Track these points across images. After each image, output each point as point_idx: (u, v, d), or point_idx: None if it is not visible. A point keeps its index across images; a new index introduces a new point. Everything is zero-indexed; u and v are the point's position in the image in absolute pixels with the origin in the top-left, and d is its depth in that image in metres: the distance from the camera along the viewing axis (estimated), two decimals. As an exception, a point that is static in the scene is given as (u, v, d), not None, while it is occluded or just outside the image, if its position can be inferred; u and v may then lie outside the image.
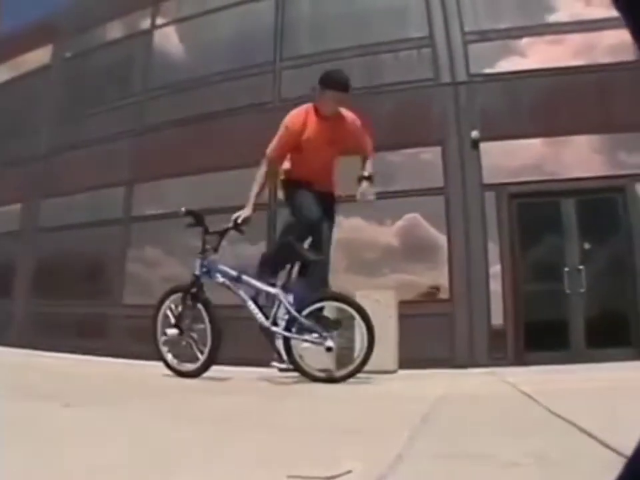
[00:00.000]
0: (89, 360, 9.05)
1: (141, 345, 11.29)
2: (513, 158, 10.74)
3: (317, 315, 5.12)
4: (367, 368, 7.80)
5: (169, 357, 5.21)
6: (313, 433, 2.09)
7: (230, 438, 1.89)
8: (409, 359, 8.21)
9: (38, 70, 16.69)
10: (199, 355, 5.13)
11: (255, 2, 13.60)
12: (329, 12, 12.97)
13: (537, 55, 11.25)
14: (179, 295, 5.38)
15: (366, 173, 5.78)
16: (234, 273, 5.38)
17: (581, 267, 9.98)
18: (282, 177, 6.03)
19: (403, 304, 8.66)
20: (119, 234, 13.63)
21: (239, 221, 5.64)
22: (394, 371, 7.84)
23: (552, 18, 11.43)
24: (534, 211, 10.57)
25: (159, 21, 15.12)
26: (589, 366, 7.37)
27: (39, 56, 16.89)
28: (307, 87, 11.67)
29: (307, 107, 5.89)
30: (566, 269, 10.06)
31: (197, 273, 5.35)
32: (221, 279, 5.36)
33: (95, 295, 13.39)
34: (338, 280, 9.70)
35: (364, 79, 11.70)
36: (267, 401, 3.60)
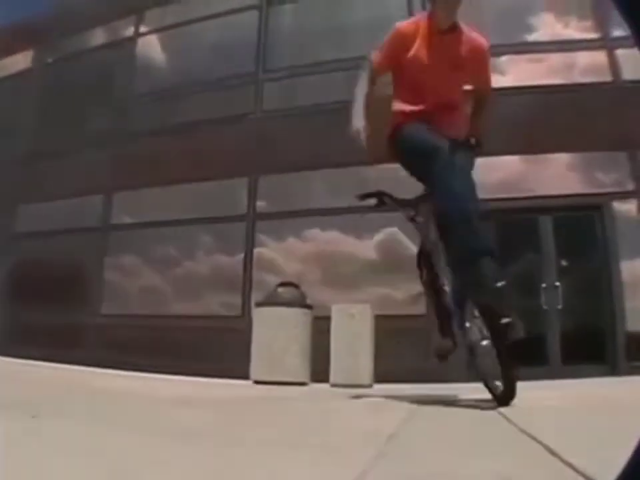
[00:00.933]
0: (64, 369, 8.93)
1: (118, 354, 11.31)
2: (491, 174, 10.77)
3: None
4: (341, 382, 7.81)
5: None
6: (276, 447, 2.05)
7: (189, 453, 1.84)
8: (387, 374, 8.19)
9: (18, 74, 16.58)
10: None
11: (238, 13, 13.61)
12: (312, 24, 13.01)
13: (517, 72, 11.35)
14: None
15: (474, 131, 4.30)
16: None
17: (557, 283, 10.05)
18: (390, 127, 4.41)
19: (379, 318, 8.64)
20: (97, 242, 13.52)
21: (356, 129, 4.20)
22: (369, 385, 7.81)
23: (532, 37, 11.55)
24: (512, 228, 10.60)
25: (143, 28, 15.09)
26: (564, 382, 7.39)
27: (20, 60, 16.78)
28: (289, 99, 11.76)
29: (420, 16, 4.46)
30: (543, 286, 10.12)
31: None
32: None
33: (72, 303, 13.25)
34: (314, 293, 9.72)
35: (347, 91, 11.73)
36: (229, 414, 3.55)
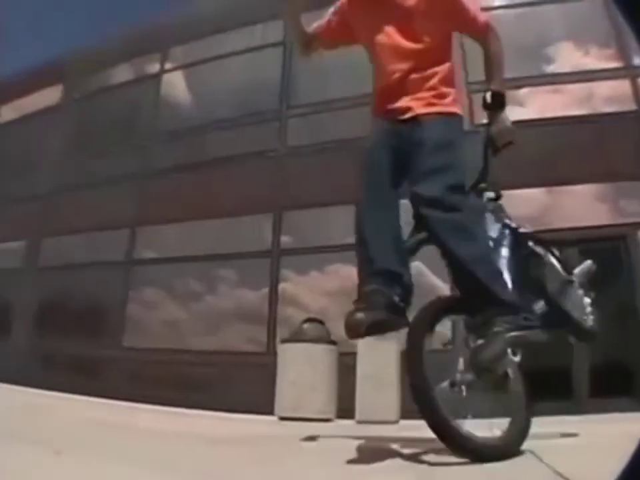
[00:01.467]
0: (86, 401, 8.94)
1: (140, 388, 11.30)
2: (514, 208, 10.69)
3: None
4: (367, 418, 7.72)
5: None
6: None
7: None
8: (411, 409, 8.08)
9: (45, 110, 16.90)
10: None
11: (262, 49, 13.78)
12: (336, 60, 13.08)
13: (536, 104, 11.34)
14: None
15: (493, 86, 3.56)
16: None
17: (587, 316, 9.88)
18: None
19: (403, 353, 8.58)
20: (121, 276, 13.61)
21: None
22: (395, 421, 7.72)
23: (551, 68, 11.55)
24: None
25: (167, 65, 15.33)
26: (591, 417, 7.23)
27: (47, 97, 17.12)
28: (313, 135, 11.77)
29: None
30: (569, 321, 9.96)
31: None
32: None
33: (94, 335, 13.31)
34: (338, 328, 9.67)
35: (369, 128, 11.83)
36: (263, 452, 3.50)
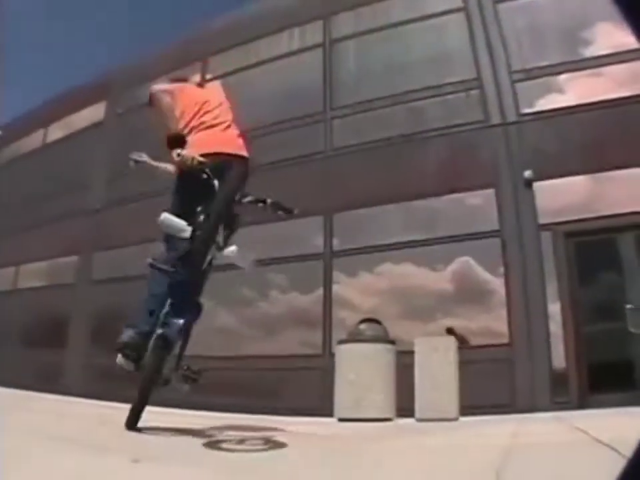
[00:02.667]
0: (150, 411, 9.04)
1: (200, 395, 11.43)
2: (567, 196, 10.56)
3: None
4: (426, 416, 7.68)
5: None
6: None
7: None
8: (469, 406, 8.03)
9: (91, 126, 17.26)
10: None
11: (302, 52, 13.86)
12: (377, 59, 13.13)
13: (581, 89, 11.16)
14: None
15: None
16: None
17: (643, 304, 9.67)
18: None
19: (461, 350, 8.51)
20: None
21: None
22: (455, 419, 7.66)
23: (590, 51, 11.31)
24: (592, 249, 10.33)
25: (208, 75, 15.49)
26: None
27: (93, 113, 17.48)
28: (357, 135, 11.82)
29: None
30: (628, 307, 9.75)
31: None
32: None
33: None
34: (393, 327, 9.63)
35: (412, 124, 11.80)
36: (334, 453, 3.51)
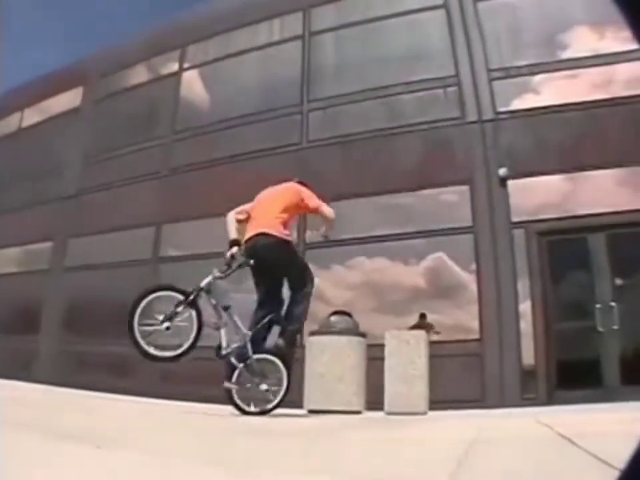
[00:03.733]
0: (121, 399, 9.02)
1: (171, 385, 11.39)
2: (540, 195, 10.67)
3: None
4: (396, 410, 7.72)
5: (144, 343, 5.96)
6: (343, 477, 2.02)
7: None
8: (439, 400, 8.08)
9: (68, 112, 17.06)
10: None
11: (280, 44, 13.81)
12: (355, 53, 13.13)
13: (557, 90, 11.25)
14: (173, 295, 6.06)
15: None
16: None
17: (612, 303, 9.80)
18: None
19: (432, 344, 8.56)
20: (147, 274, 13.68)
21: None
22: (424, 413, 7.70)
23: (567, 53, 11.42)
24: (563, 248, 10.45)
25: (186, 64, 15.39)
26: (623, 405, 7.17)
27: (69, 99, 17.28)
28: (333, 128, 11.85)
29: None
30: (597, 306, 9.89)
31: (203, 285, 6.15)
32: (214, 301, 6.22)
33: (123, 334, 13.40)
34: (365, 320, 9.66)
35: (390, 119, 11.81)
36: (297, 443, 3.52)
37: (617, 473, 1.85)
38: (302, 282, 6.42)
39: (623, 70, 10.84)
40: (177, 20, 15.84)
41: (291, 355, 6.49)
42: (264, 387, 5.95)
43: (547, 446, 3.13)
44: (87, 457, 2.26)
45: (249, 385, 5.98)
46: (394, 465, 2.42)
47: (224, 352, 6.23)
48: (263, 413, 5.84)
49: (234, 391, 5.97)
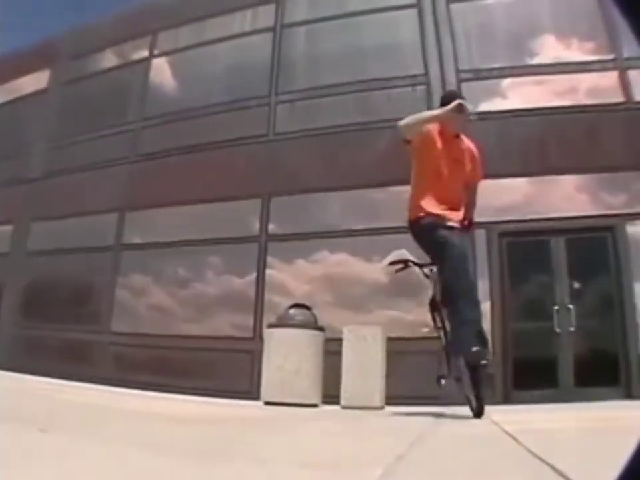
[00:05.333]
0: (73, 386, 8.94)
1: (127, 373, 11.34)
2: (502, 196, 10.77)
3: None
4: (352, 404, 7.77)
5: None
6: (284, 466, 2.04)
7: (194, 472, 1.83)
8: (397, 396, 8.14)
9: (34, 93, 16.79)
10: None
11: (252, 35, 13.75)
12: (325, 47, 13.13)
13: (525, 94, 11.39)
14: None
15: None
16: None
17: (570, 305, 9.97)
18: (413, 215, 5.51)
19: (391, 340, 8.61)
20: (109, 261, 13.56)
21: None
22: (380, 407, 7.77)
23: (535, 59, 11.58)
24: (523, 250, 10.58)
25: (156, 50, 15.25)
26: (577, 405, 7.31)
27: (36, 80, 17.01)
28: (301, 121, 11.87)
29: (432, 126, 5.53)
30: (555, 308, 10.05)
31: None
32: None
33: (82, 320, 13.29)
34: (324, 315, 9.70)
35: (358, 115, 11.82)
36: (248, 433, 3.53)
37: (549, 470, 1.90)
38: None
39: (587, 79, 11.04)
40: (149, 4, 15.66)
41: None
42: None
43: (489, 443, 3.18)
44: (30, 440, 2.25)
45: None
46: (335, 455, 2.44)
47: None
48: None
49: None
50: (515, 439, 3.01)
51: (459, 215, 5.44)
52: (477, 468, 2.14)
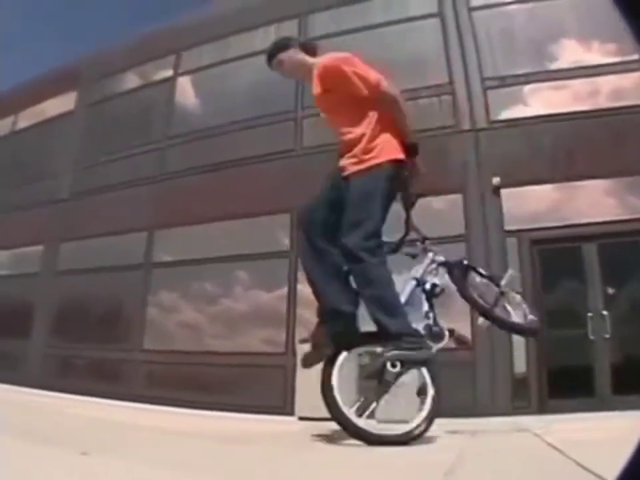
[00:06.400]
0: (107, 404, 8.98)
1: (158, 389, 11.37)
2: (534, 204, 10.68)
3: None
4: (386, 417, 7.69)
5: None
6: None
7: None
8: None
9: (61, 115, 17.02)
10: None
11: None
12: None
13: (552, 99, 11.28)
14: None
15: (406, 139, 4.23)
16: None
17: (604, 312, 9.80)
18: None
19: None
20: (139, 279, 13.64)
21: None
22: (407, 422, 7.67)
23: (555, 64, 11.47)
24: (556, 257, 10.45)
25: (181, 69, 15.37)
26: (614, 414, 7.18)
27: (63, 102, 17.24)
28: (328, 135, 11.77)
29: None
30: (589, 315, 9.89)
31: None
32: None
33: (114, 338, 13.38)
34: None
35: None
36: (285, 451, 3.50)
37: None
38: None
39: (611, 81, 10.91)
40: (172, 24, 15.83)
41: None
42: None
43: (534, 454, 3.12)
44: (75, 464, 2.23)
45: None
46: (382, 472, 2.41)
47: None
48: None
49: None
50: (559, 450, 2.96)
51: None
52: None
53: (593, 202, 10.55)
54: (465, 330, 10.37)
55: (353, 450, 3.54)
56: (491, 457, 3.13)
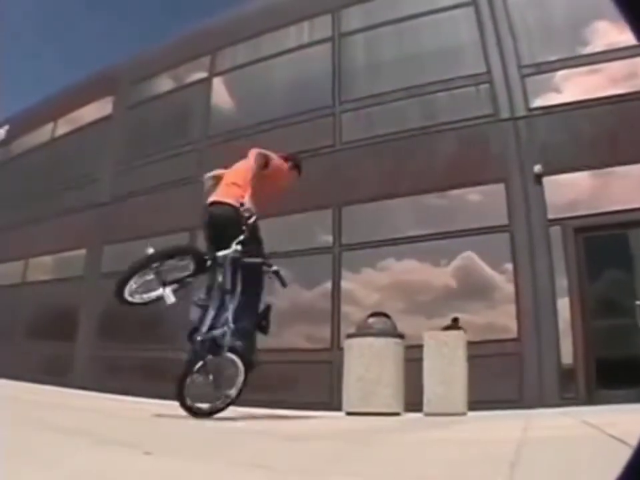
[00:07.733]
0: (155, 403, 9.07)
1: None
2: (576, 191, 10.52)
3: None
4: (435, 411, 7.66)
5: None
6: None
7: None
8: (477, 401, 8.01)
9: (100, 120, 17.25)
10: None
11: (311, 47, 13.82)
12: (385, 53, 13.09)
13: (590, 83, 11.09)
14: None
15: None
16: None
17: (653, 300, 9.62)
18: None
19: (470, 344, 8.47)
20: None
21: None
22: (463, 413, 7.65)
23: (587, 48, 11.25)
24: (601, 244, 10.28)
25: (217, 69, 15.46)
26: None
27: (101, 107, 17.47)
28: (367, 129, 11.73)
29: None
30: (637, 303, 9.71)
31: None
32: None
33: (159, 339, 13.51)
34: (401, 321, 9.58)
35: (423, 118, 11.74)
36: (345, 447, 3.50)
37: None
38: None
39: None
40: (206, 25, 15.94)
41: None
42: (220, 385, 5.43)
43: (595, 445, 3.08)
44: (142, 464, 2.25)
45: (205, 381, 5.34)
46: (443, 467, 2.40)
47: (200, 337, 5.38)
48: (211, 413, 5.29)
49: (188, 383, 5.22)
50: (624, 442, 2.90)
51: None
52: (598, 472, 2.07)
53: (637, 186, 10.33)
54: (507, 318, 10.33)
55: (418, 445, 3.54)
56: (551, 448, 3.10)
